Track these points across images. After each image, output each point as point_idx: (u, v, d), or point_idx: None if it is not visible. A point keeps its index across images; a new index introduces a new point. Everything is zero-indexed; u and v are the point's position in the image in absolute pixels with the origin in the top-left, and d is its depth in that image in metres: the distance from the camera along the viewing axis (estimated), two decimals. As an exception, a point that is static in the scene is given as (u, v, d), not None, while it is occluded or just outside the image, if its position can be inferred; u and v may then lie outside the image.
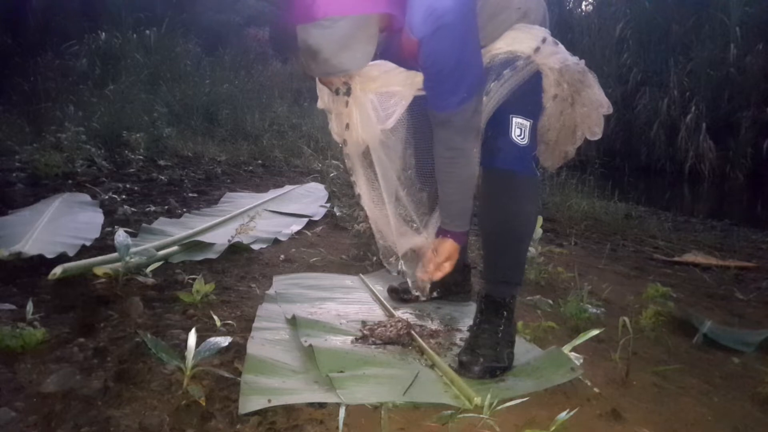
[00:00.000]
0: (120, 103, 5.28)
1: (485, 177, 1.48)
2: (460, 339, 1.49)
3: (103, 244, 2.14)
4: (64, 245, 1.98)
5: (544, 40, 1.39)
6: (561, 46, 1.44)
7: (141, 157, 4.13)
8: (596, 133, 1.51)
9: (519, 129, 1.40)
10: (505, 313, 1.43)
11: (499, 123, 1.41)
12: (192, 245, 2.15)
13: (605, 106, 1.48)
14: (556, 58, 1.41)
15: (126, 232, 1.96)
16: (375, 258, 2.29)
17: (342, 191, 3.62)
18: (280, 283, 1.89)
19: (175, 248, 2.06)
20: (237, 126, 5.88)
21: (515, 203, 1.46)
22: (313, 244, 2.47)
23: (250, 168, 4.47)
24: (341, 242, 2.57)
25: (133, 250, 1.87)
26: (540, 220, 2.18)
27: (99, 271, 1.65)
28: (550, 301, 1.88)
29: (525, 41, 1.39)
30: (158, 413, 1.08)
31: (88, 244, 2.11)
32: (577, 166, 4.58)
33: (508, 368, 1.34)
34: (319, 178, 4.08)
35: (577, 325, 1.69)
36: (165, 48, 6.51)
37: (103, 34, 6.33)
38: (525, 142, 1.40)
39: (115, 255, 1.80)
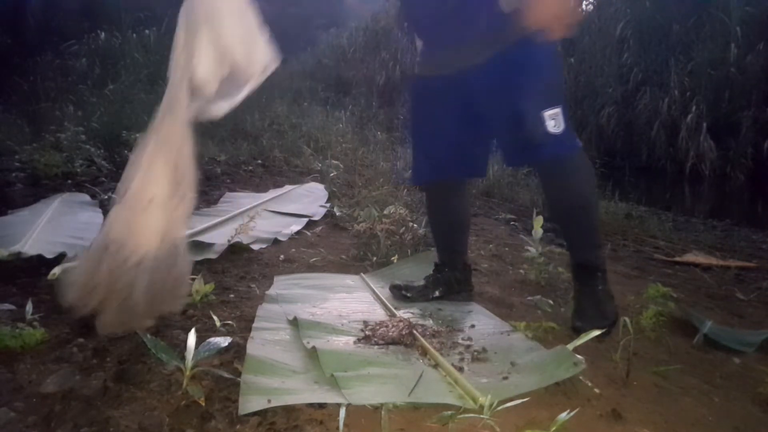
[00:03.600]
0: (119, 103, 5.28)
1: (540, 172, 1.64)
2: (462, 338, 1.49)
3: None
4: (63, 245, 1.98)
5: None
6: None
7: (141, 157, 4.12)
8: None
9: (552, 120, 1.46)
10: (598, 273, 1.58)
11: (532, 123, 1.46)
12: (191, 245, 2.14)
13: None
14: None
15: (126, 232, 1.96)
16: (375, 258, 2.29)
17: (342, 191, 3.62)
18: (280, 283, 1.89)
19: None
20: (237, 126, 5.87)
21: (575, 179, 1.57)
22: (312, 244, 2.47)
23: (250, 168, 4.46)
24: (341, 242, 2.57)
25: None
26: (540, 220, 2.18)
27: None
28: (551, 301, 1.88)
29: None
30: (158, 413, 1.08)
31: (87, 244, 2.10)
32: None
33: (614, 323, 1.51)
34: (318, 178, 4.08)
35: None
36: (165, 48, 6.48)
37: (103, 33, 6.33)
38: (561, 128, 1.47)
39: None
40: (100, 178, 3.55)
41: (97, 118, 4.83)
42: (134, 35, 6.40)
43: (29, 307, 1.41)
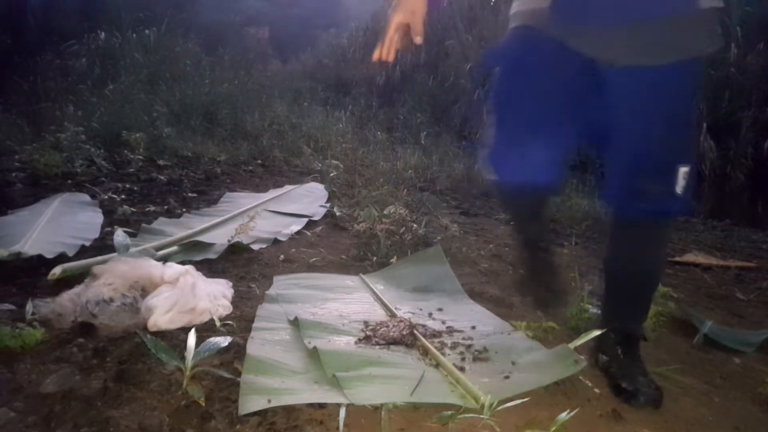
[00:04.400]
0: (119, 103, 5.27)
1: (628, 224, 1.31)
2: (462, 338, 1.48)
3: (102, 244, 2.14)
4: (63, 245, 1.98)
5: None
6: None
7: (141, 157, 4.13)
8: None
9: (684, 180, 1.21)
10: (639, 343, 1.38)
11: (664, 176, 1.20)
12: (191, 245, 2.15)
13: None
14: None
15: (125, 232, 1.96)
16: (375, 258, 2.29)
17: (342, 191, 3.62)
18: (280, 283, 1.89)
19: (174, 248, 2.06)
20: (237, 126, 5.88)
21: (659, 242, 1.37)
22: (312, 244, 2.47)
23: (250, 168, 4.46)
24: (341, 242, 2.57)
25: (132, 250, 1.87)
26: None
27: (98, 269, 1.65)
28: (551, 301, 1.88)
29: None
30: (158, 413, 1.08)
31: (87, 244, 2.10)
32: (577, 165, 4.57)
33: (639, 395, 1.23)
34: (318, 178, 4.07)
35: (577, 326, 1.69)
36: (165, 48, 6.49)
37: (103, 33, 6.32)
38: (686, 189, 1.22)
39: (114, 255, 1.80)
40: (100, 177, 3.54)
41: (97, 118, 4.82)
42: (134, 35, 6.40)
43: (29, 306, 1.41)
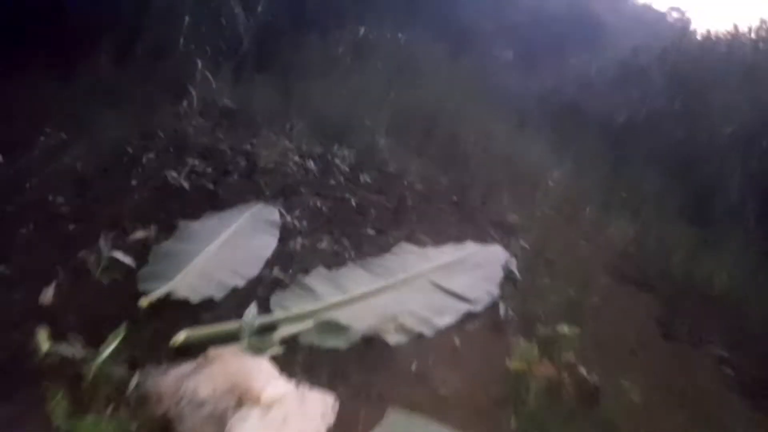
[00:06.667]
0: (352, 99, 5.50)
1: None
2: None
3: (253, 287, 2.16)
4: (216, 285, 2.05)
5: None
6: None
7: (346, 167, 4.21)
8: None
9: None
10: None
11: None
12: (326, 324, 2.03)
13: None
14: None
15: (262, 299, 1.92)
16: (524, 408, 1.88)
17: (526, 270, 3.14)
18: (390, 423, 1.65)
19: (305, 325, 1.98)
20: (452, 143, 5.71)
21: None
22: (455, 354, 2.16)
23: (442, 205, 4.23)
24: (491, 364, 2.19)
25: (262, 321, 1.82)
26: None
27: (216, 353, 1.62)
28: None
29: None
30: None
31: (241, 284, 2.15)
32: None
33: None
34: (505, 240, 3.66)
35: None
36: (408, 51, 6.63)
37: (363, 29, 6.69)
38: None
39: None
40: (301, 187, 3.64)
41: (332, 108, 5.08)
42: (388, 35, 6.65)
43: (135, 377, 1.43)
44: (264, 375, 1.47)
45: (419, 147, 5.47)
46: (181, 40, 5.10)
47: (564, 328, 2.35)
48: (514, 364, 2.07)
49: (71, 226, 2.54)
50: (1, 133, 3.32)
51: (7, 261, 2.17)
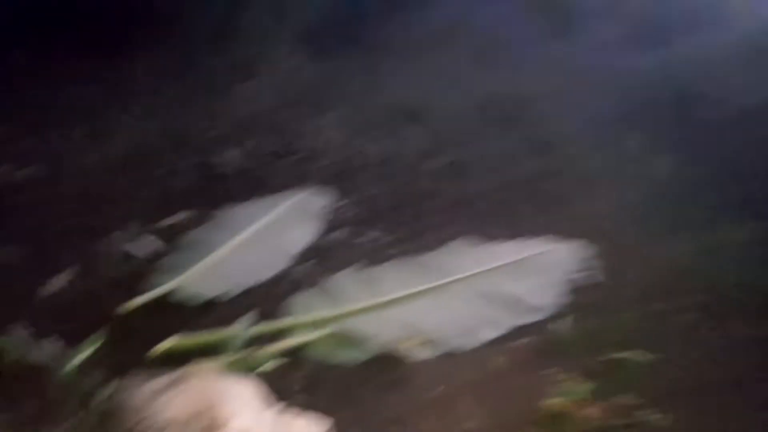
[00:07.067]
0: (434, 80, 5.20)
1: None
2: None
3: (273, 286, 2.01)
4: (233, 282, 1.92)
5: None
6: None
7: (414, 152, 3.95)
8: None
9: None
10: None
11: None
12: (342, 336, 1.83)
13: None
14: None
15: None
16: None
17: (608, 286, 2.68)
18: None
19: (316, 333, 1.79)
20: (542, 129, 5.18)
21: None
22: (488, 381, 1.87)
23: (521, 194, 3.80)
24: (531, 395, 1.85)
25: (263, 329, 1.66)
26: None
27: (196, 368, 1.49)
28: None
29: None
30: None
31: (261, 281, 2.01)
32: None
33: None
34: (589, 240, 3.19)
35: None
36: (499, 31, 6.15)
37: (450, 7, 6.31)
38: None
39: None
40: (365, 167, 3.46)
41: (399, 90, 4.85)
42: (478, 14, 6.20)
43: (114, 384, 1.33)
44: (240, 399, 1.32)
45: (502, 131, 5.05)
46: (256, 17, 5.09)
47: (633, 357, 1.96)
48: (554, 400, 1.75)
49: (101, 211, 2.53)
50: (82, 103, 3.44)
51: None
